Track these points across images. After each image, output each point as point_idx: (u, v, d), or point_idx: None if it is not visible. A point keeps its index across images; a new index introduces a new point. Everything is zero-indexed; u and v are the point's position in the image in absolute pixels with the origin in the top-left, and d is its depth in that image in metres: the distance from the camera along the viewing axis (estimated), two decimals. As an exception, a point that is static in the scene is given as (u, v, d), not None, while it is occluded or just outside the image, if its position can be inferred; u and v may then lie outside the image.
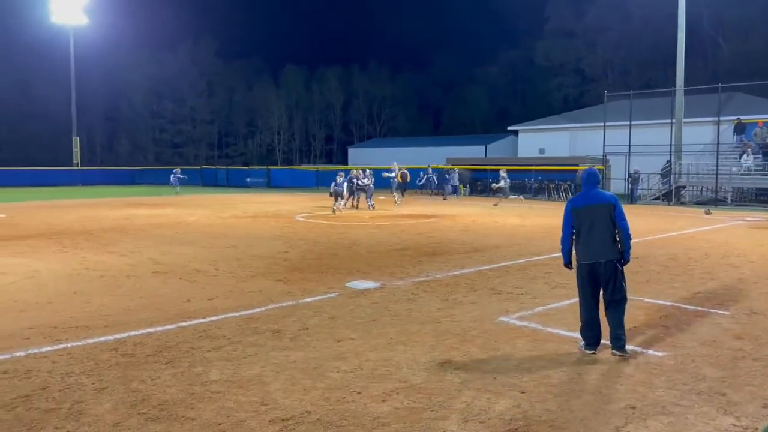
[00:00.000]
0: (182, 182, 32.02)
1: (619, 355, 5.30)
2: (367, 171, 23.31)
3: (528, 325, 6.26)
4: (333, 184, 21.46)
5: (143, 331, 5.96)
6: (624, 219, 5.44)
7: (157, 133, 74.78)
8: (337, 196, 21.20)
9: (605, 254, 5.36)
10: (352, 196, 22.25)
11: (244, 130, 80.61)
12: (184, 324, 6.22)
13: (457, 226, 16.27)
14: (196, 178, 50.86)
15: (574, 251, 5.61)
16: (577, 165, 30.60)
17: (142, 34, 69.78)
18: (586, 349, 5.44)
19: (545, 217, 19.58)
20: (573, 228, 5.53)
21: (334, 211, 20.74)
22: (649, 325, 6.27)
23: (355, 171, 22.87)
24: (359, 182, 22.18)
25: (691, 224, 16.90)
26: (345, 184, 21.42)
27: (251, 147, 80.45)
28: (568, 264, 5.64)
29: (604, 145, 29.11)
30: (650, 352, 5.47)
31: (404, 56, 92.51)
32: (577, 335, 5.80)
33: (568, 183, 30.60)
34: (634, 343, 5.69)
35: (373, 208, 21.99)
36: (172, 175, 31.48)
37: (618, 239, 5.42)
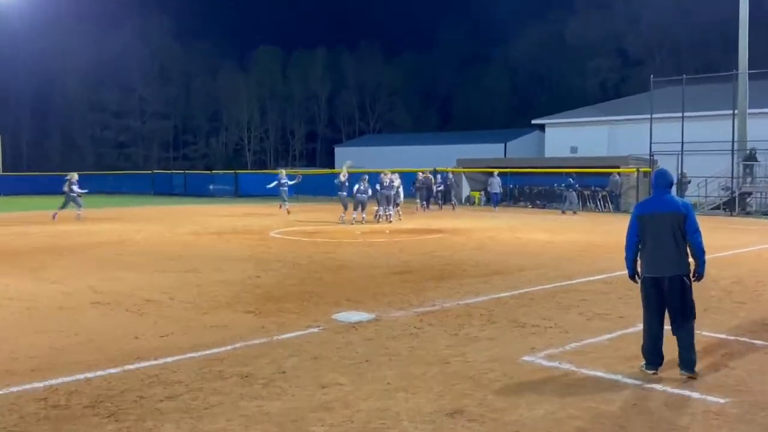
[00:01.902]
0: (291, 190, 26.64)
1: (689, 376, 5.79)
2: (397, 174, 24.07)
3: (558, 365, 6.27)
4: (357, 188, 21.92)
5: (80, 377, 5.93)
6: (696, 231, 5.80)
7: (98, 130, 74.93)
8: (360, 204, 21.76)
9: (671, 268, 5.77)
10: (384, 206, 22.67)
11: (206, 126, 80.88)
12: (130, 367, 6.21)
13: (471, 244, 16.27)
14: (147, 185, 50.89)
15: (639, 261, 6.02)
16: (617, 167, 30.76)
17: (79, 9, 70.03)
18: (647, 369, 5.91)
19: (579, 232, 19.59)
20: (638, 237, 5.94)
21: (352, 220, 21.60)
22: (708, 365, 6.28)
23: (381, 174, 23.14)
24: (383, 187, 22.35)
25: (759, 239, 16.97)
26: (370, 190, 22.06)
27: (215, 147, 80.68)
28: (633, 276, 6.08)
29: (651, 143, 29.26)
30: (709, 398, 5.47)
31: (403, 35, 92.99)
32: (619, 377, 5.88)
33: (607, 189, 30.71)
34: (689, 387, 5.70)
35: (370, 220, 22.12)
36: (275, 182, 26.63)
37: (688, 253, 5.83)
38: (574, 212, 27.99)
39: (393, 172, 24.12)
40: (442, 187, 31.91)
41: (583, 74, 70.13)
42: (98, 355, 6.57)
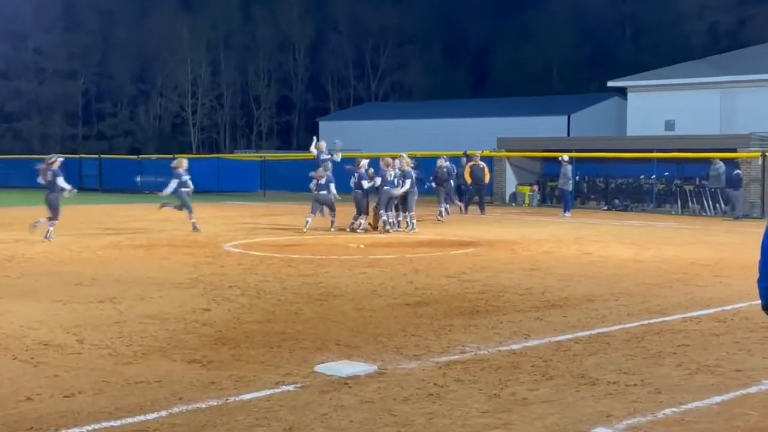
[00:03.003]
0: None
1: None
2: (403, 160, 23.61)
3: (647, 441, 6.25)
4: (380, 180, 22.24)
5: (-54, 455, 5.94)
6: None
7: (-26, 96, 75.19)
8: (388, 202, 22.24)
9: None
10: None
11: (131, 90, 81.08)
12: (20, 441, 6.20)
13: (518, 262, 16.24)
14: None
15: None
16: (734, 150, 30.66)
17: None
18: None
19: (677, 245, 19.55)
20: None
21: (381, 227, 22.22)
22: None
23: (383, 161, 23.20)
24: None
25: None
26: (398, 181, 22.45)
27: (144, 120, 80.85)
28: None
29: (782, 115, 29.14)
30: None
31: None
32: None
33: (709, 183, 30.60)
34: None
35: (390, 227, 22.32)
36: (314, 179, 23.32)
37: None
38: (737, 217, 28.05)
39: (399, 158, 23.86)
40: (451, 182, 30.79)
41: (682, 15, 70.02)
42: (-27, 424, 6.56)
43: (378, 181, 22.30)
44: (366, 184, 22.69)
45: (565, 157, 30.16)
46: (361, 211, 22.94)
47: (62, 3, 76.12)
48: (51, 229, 20.13)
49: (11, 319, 10.56)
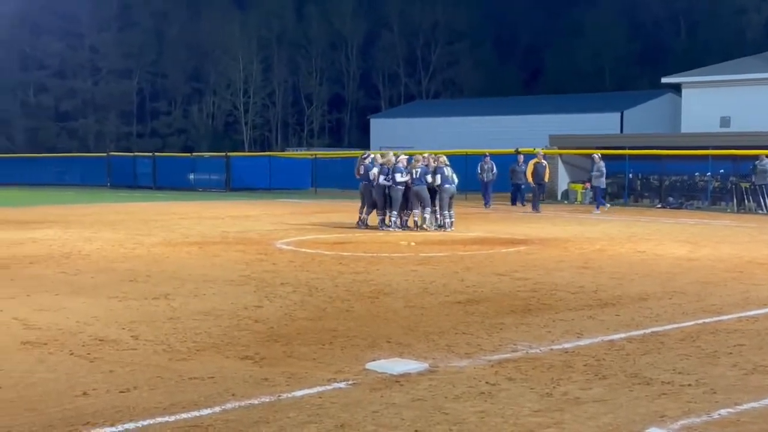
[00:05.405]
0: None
1: None
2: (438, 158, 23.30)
3: (702, 442, 6.18)
4: (395, 173, 22.02)
5: (5, 449, 6.02)
6: None
7: (31, 94, 76.21)
8: (419, 199, 21.98)
9: None
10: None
11: (184, 89, 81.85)
12: (76, 436, 6.27)
13: (571, 260, 16.15)
14: (100, 173, 51.58)
15: None
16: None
17: None
18: None
19: (733, 244, 19.30)
20: None
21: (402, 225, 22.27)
22: None
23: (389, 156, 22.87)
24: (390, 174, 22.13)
25: None
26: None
27: (197, 119, 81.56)
28: None
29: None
30: None
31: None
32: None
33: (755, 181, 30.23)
34: None
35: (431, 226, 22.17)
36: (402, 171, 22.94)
37: None
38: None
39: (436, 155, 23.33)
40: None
41: (740, 8, 69.01)
42: (31, 419, 6.63)
43: (407, 177, 21.91)
44: (400, 177, 21.97)
45: (597, 155, 30.32)
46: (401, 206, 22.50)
47: (117, 3, 77.08)
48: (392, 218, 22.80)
49: (67, 315, 10.70)
